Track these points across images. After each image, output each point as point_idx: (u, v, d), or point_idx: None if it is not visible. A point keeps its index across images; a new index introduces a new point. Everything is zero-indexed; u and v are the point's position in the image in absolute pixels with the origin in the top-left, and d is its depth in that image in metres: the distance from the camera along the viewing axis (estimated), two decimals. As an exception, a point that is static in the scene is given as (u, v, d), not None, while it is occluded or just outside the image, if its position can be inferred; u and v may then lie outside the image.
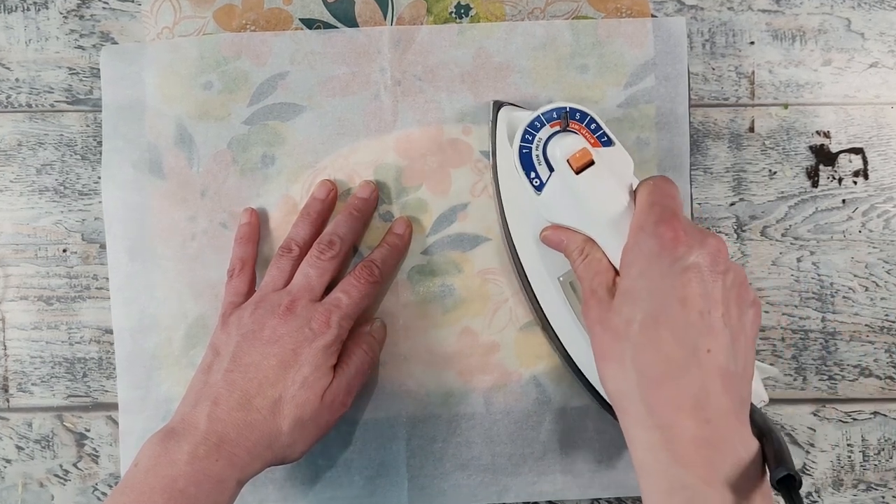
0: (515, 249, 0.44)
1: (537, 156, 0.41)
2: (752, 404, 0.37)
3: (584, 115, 0.42)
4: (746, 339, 0.36)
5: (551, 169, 0.41)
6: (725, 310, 0.35)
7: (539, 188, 0.41)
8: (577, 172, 0.40)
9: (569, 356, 0.44)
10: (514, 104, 0.46)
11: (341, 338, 0.42)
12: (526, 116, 0.42)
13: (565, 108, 0.42)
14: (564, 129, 0.41)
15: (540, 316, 0.45)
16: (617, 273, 0.38)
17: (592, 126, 0.41)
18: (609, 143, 0.41)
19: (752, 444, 0.34)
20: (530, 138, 0.42)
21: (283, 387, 0.40)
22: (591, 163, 0.40)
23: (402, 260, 0.47)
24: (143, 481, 0.37)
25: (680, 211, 0.37)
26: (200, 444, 0.38)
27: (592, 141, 0.41)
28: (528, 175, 0.41)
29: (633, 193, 0.39)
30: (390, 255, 0.46)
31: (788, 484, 0.32)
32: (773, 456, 0.33)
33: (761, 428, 0.35)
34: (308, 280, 0.43)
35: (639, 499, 0.48)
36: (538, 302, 0.44)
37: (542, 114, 0.42)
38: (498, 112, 0.45)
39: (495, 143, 0.45)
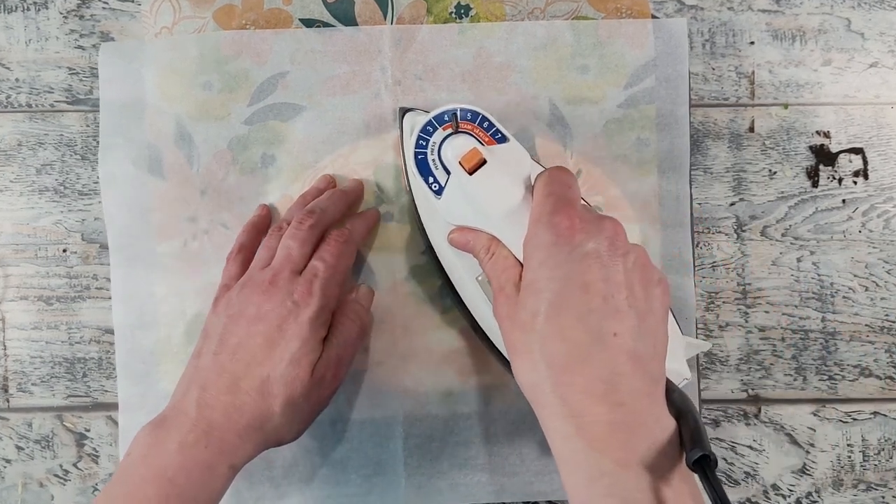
0: (435, 253, 0.44)
1: (433, 160, 0.41)
2: (671, 383, 0.37)
3: (475, 114, 0.42)
4: (655, 319, 0.36)
5: (448, 172, 0.41)
6: (629, 292, 0.35)
7: (438, 192, 0.41)
8: (471, 173, 0.40)
9: (503, 357, 0.43)
10: (420, 109, 0.46)
11: (328, 307, 0.42)
12: (421, 121, 0.42)
13: (455, 109, 0.41)
14: (456, 131, 0.41)
15: (467, 317, 0.45)
16: (520, 265, 0.38)
17: (485, 124, 0.41)
18: (503, 139, 0.41)
19: (669, 424, 0.34)
20: (424, 143, 0.42)
21: (270, 365, 0.39)
22: (484, 162, 0.40)
23: (371, 227, 0.47)
24: (135, 472, 0.37)
25: (576, 199, 0.37)
26: (190, 432, 0.38)
27: (486, 139, 0.41)
28: (426, 180, 0.41)
29: (532, 186, 0.39)
30: (360, 222, 0.46)
31: (704, 464, 0.32)
32: (689, 437, 0.33)
33: (679, 408, 0.35)
34: (289, 251, 0.42)
35: (639, 499, 0.48)
36: (463, 304, 0.44)
37: (433, 117, 0.42)
38: (403, 118, 0.45)
39: (404, 149, 0.45)
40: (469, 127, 0.41)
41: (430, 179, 0.41)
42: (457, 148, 0.40)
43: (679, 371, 0.41)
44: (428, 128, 0.41)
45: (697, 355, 0.48)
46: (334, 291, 0.42)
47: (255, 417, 0.39)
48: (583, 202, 0.43)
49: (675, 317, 0.43)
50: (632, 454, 0.32)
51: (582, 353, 0.34)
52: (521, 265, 0.38)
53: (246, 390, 0.39)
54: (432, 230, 0.44)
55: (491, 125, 0.41)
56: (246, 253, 0.45)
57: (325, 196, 0.45)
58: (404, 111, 0.46)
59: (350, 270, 0.45)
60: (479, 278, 0.43)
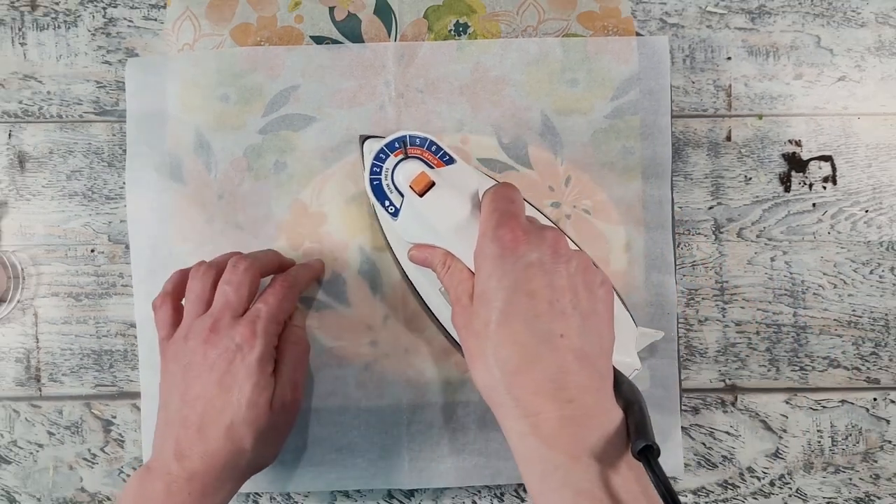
0: (403, 269, 0.47)
1: (388, 185, 0.44)
2: (622, 376, 0.39)
3: (423, 139, 0.45)
4: (599, 318, 0.38)
5: (402, 195, 0.43)
6: (573, 295, 0.37)
7: (395, 214, 0.44)
8: (421, 195, 0.42)
9: None
10: (379, 136, 0.47)
11: (271, 345, 0.43)
12: (376, 148, 0.45)
13: (404, 136, 0.45)
14: (406, 157, 0.44)
15: (436, 323, 0.47)
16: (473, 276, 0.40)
17: (433, 148, 0.45)
18: (451, 161, 0.44)
19: (617, 416, 0.36)
20: (378, 170, 0.44)
21: (231, 411, 0.40)
22: (432, 184, 0.42)
23: (315, 277, 0.49)
24: None
25: (519, 212, 0.39)
26: (173, 482, 0.40)
27: (436, 162, 0.44)
28: (382, 204, 0.44)
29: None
30: (304, 269, 0.48)
31: (648, 453, 0.33)
32: (634, 427, 0.35)
33: (627, 399, 0.37)
34: (226, 297, 0.43)
35: (624, 480, 0.51)
36: (433, 314, 0.46)
37: (385, 145, 0.44)
38: (363, 145, 0.47)
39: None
40: (418, 152, 0.45)
41: (387, 203, 0.44)
42: (407, 173, 0.43)
43: (630, 363, 0.43)
44: (381, 155, 0.44)
45: (678, 349, 0.50)
46: (276, 330, 0.43)
47: (229, 459, 0.40)
48: (543, 213, 0.46)
49: (629, 311, 0.46)
50: (581, 447, 0.34)
51: (531, 356, 0.35)
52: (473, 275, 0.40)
53: (214, 437, 0.40)
54: (396, 248, 0.47)
55: (439, 149, 0.45)
56: (173, 298, 0.45)
57: (263, 252, 0.47)
58: (364, 138, 0.48)
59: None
60: (441, 290, 0.45)
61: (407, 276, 0.47)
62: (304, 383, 0.45)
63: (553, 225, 0.47)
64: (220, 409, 0.41)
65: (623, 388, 0.38)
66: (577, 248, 0.40)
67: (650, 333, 0.47)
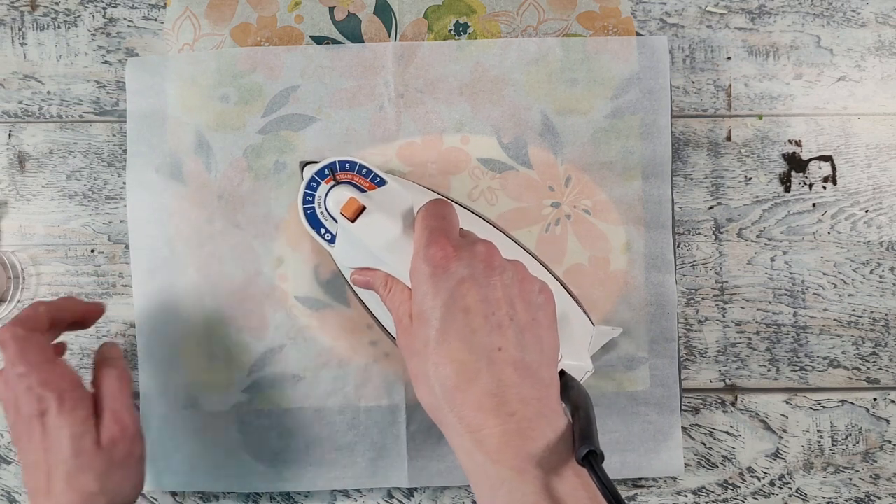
0: (355, 291, 0.47)
1: (321, 213, 0.44)
2: (572, 380, 0.39)
3: (352, 163, 0.45)
4: (539, 327, 0.38)
5: (337, 221, 0.43)
6: (509, 307, 0.37)
7: (331, 241, 0.44)
8: (353, 220, 0.42)
9: None
10: (318, 161, 0.47)
11: (68, 391, 0.40)
12: (307, 177, 0.44)
13: (333, 162, 0.44)
14: (336, 183, 0.44)
15: (392, 340, 0.47)
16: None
17: (363, 171, 0.44)
18: (382, 182, 0.44)
19: (560, 425, 0.36)
20: (311, 199, 0.44)
21: (63, 468, 0.40)
22: (363, 208, 0.42)
23: (78, 315, 0.45)
24: None
25: (450, 228, 0.39)
26: None
27: (367, 185, 0.44)
28: (318, 232, 0.44)
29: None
30: (47, 307, 0.43)
31: (592, 459, 0.33)
32: (579, 434, 0.35)
33: (575, 404, 0.37)
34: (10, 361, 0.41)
35: (624, 480, 0.51)
36: (389, 333, 0.46)
37: (315, 173, 0.45)
38: (303, 171, 0.47)
39: None
40: (349, 177, 0.45)
41: (322, 230, 0.44)
42: (337, 199, 0.43)
43: (581, 366, 0.43)
44: (312, 184, 0.45)
45: (678, 349, 0.50)
46: (38, 372, 0.40)
47: None
48: (489, 220, 0.47)
49: (585, 311, 0.46)
50: (526, 459, 0.34)
51: (470, 372, 0.35)
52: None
53: (60, 492, 0.40)
54: (345, 271, 0.46)
55: (369, 171, 0.45)
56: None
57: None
58: (304, 164, 0.48)
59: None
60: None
61: (360, 298, 0.47)
62: (131, 409, 0.43)
63: (502, 231, 0.47)
64: (55, 467, 0.40)
65: (571, 394, 0.38)
66: (511, 259, 0.39)
67: (608, 331, 0.47)
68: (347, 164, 0.45)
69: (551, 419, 0.36)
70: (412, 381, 0.38)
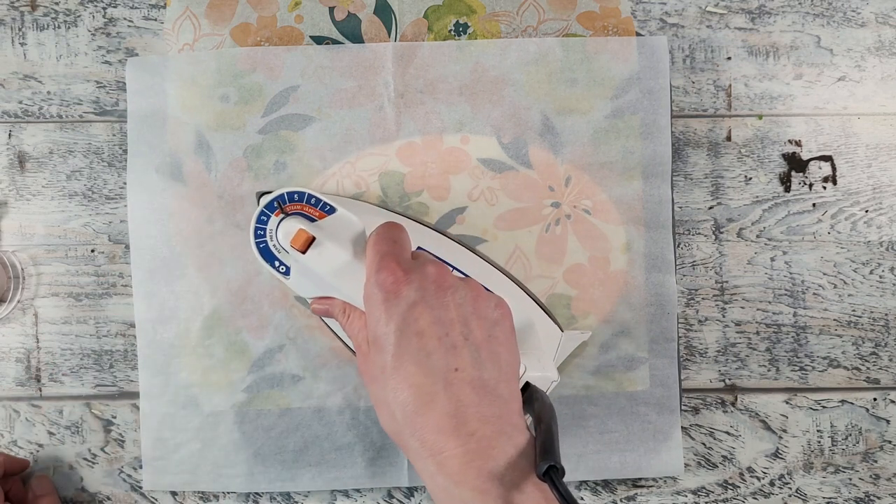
0: (322, 318, 0.47)
1: (274, 245, 0.44)
2: (536, 392, 0.39)
3: (301, 194, 0.44)
4: (496, 343, 0.38)
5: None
6: (463, 326, 0.37)
7: (286, 273, 0.44)
8: (304, 251, 0.42)
9: None
10: (270, 191, 0.47)
11: None
12: (258, 209, 0.44)
13: (282, 194, 0.44)
14: (285, 215, 0.44)
15: None
16: None
17: (312, 201, 0.44)
18: (332, 210, 0.43)
19: (522, 439, 0.35)
20: (262, 232, 0.44)
21: None
22: (313, 239, 0.42)
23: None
24: None
25: (400, 251, 0.39)
26: None
27: (317, 214, 0.43)
28: (273, 265, 0.44)
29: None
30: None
31: (553, 474, 0.33)
32: (541, 448, 0.34)
33: (538, 417, 0.37)
34: None
35: (624, 480, 0.51)
36: (356, 355, 0.46)
37: (264, 207, 0.44)
38: (259, 201, 0.47)
39: None
40: (298, 207, 0.44)
41: (276, 263, 0.44)
42: (286, 232, 0.43)
43: (547, 377, 0.42)
44: (262, 217, 0.44)
45: (678, 349, 0.50)
46: None
47: None
48: (452, 236, 0.47)
49: (553, 318, 0.46)
50: (488, 479, 0.34)
51: (428, 395, 0.35)
52: None
53: None
54: (304, 301, 0.46)
55: (318, 200, 0.44)
56: None
57: None
58: (260, 195, 0.47)
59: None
60: None
61: (325, 322, 0.47)
62: None
63: (463, 245, 0.47)
64: None
65: (535, 406, 0.38)
66: (464, 277, 0.39)
67: (577, 336, 0.47)
68: (296, 195, 0.44)
69: (512, 435, 0.36)
70: (374, 408, 0.38)
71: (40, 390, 0.51)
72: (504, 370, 0.38)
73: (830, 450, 0.51)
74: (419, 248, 0.46)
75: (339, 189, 0.50)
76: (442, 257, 0.46)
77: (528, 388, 0.40)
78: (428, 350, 0.36)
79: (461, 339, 0.37)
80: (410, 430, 0.36)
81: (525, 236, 0.50)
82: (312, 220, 0.43)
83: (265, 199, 0.45)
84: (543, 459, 0.34)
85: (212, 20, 0.51)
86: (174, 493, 0.51)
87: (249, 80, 0.50)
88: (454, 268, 0.46)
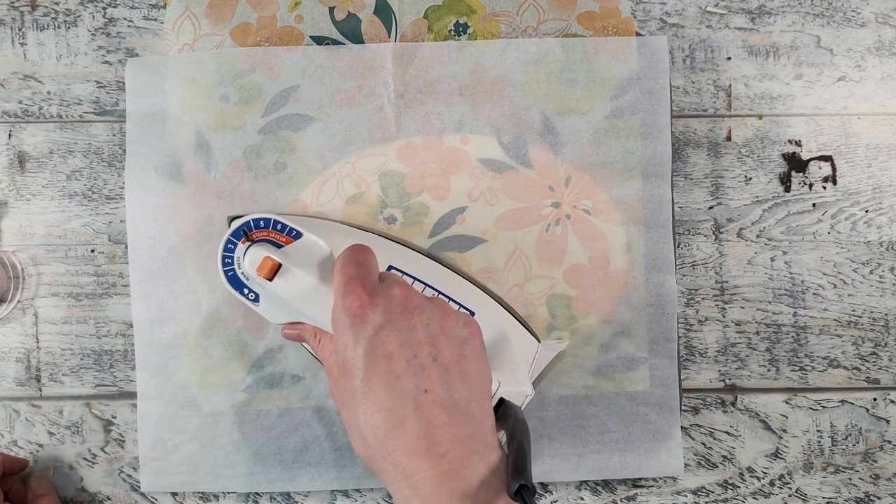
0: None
1: (242, 273, 0.44)
2: (510, 408, 0.39)
3: (266, 220, 0.44)
4: (466, 362, 0.37)
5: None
6: (431, 346, 0.37)
7: (256, 300, 0.44)
8: (271, 279, 0.42)
9: None
10: (242, 215, 0.46)
11: None
12: (224, 237, 0.44)
13: (247, 222, 0.44)
14: (251, 243, 0.43)
15: None
16: None
17: (278, 227, 0.44)
18: (298, 235, 0.43)
19: (494, 458, 0.35)
20: (230, 260, 0.44)
21: None
22: (279, 266, 0.42)
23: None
24: None
25: (366, 275, 0.39)
26: None
27: (284, 240, 0.43)
28: (242, 293, 0.44)
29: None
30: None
31: (524, 493, 0.33)
32: (514, 467, 0.34)
33: (511, 435, 0.37)
34: None
35: (624, 480, 0.51)
36: None
37: (230, 235, 0.44)
38: (230, 226, 0.46)
39: None
40: (264, 234, 0.44)
41: (245, 291, 0.44)
42: (253, 259, 0.43)
43: (521, 392, 0.42)
44: (229, 245, 0.44)
45: (678, 349, 0.50)
46: None
47: None
48: (425, 252, 0.46)
49: (529, 329, 0.45)
50: (461, 499, 0.34)
51: (398, 418, 0.35)
52: None
53: None
54: (276, 327, 0.46)
55: (284, 226, 0.44)
56: None
57: None
58: (231, 219, 0.47)
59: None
60: None
61: (305, 347, 0.47)
62: None
63: (435, 259, 0.47)
64: None
65: (508, 423, 0.38)
66: (431, 297, 0.39)
67: (554, 345, 0.47)
68: (262, 222, 0.44)
69: (484, 454, 0.35)
70: (347, 432, 0.38)
71: (40, 390, 0.51)
72: (475, 389, 0.37)
73: (830, 450, 0.51)
74: (390, 266, 0.45)
75: (339, 189, 0.50)
76: (413, 274, 0.45)
77: (501, 405, 0.40)
78: (396, 373, 0.36)
79: (430, 360, 0.36)
80: (382, 453, 0.35)
81: (525, 236, 0.50)
82: (279, 246, 0.43)
83: (233, 226, 0.45)
84: (515, 478, 0.34)
85: (212, 20, 0.51)
86: (174, 494, 0.51)
87: (249, 80, 0.50)
88: (426, 284, 0.45)
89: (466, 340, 0.38)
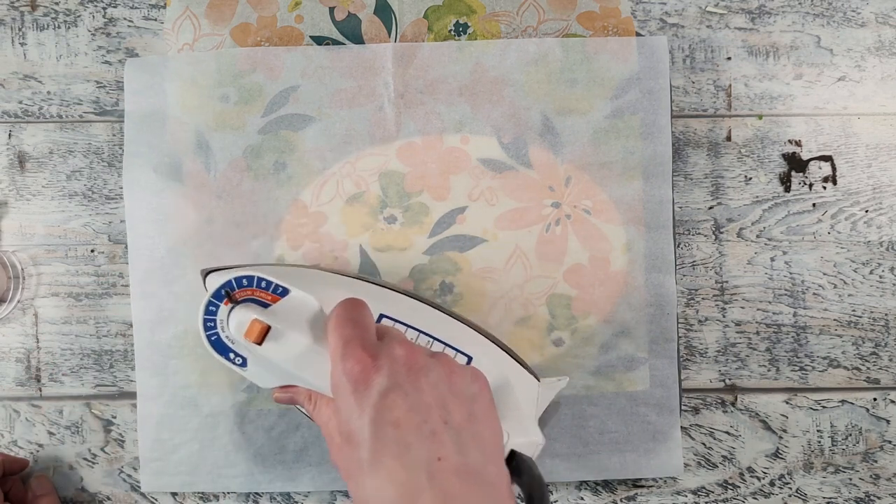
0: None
1: (227, 337, 0.40)
2: (522, 462, 0.38)
3: (250, 278, 0.40)
4: (477, 422, 0.35)
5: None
6: (441, 409, 0.34)
7: (243, 364, 0.40)
8: (260, 342, 0.38)
9: None
10: (220, 268, 0.45)
11: None
12: (205, 299, 0.41)
13: (229, 281, 0.40)
14: (235, 303, 0.40)
15: None
16: None
17: (263, 284, 0.40)
18: (285, 291, 0.40)
19: None
20: (213, 324, 0.40)
21: None
22: (268, 328, 0.38)
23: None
24: None
25: (364, 334, 0.36)
26: None
27: (269, 297, 0.40)
28: (227, 358, 0.40)
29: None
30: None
31: None
32: None
33: (528, 491, 0.36)
34: None
35: (624, 480, 0.51)
36: None
37: (211, 296, 0.40)
38: (205, 280, 0.45)
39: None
40: (248, 293, 0.40)
41: (231, 355, 0.40)
42: (239, 323, 0.39)
43: (532, 442, 0.40)
44: (210, 308, 0.40)
45: (678, 349, 0.50)
46: None
47: None
48: (416, 295, 0.45)
49: (528, 368, 0.44)
50: None
51: (412, 491, 0.32)
52: None
53: None
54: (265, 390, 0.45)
55: (269, 283, 0.40)
56: None
57: None
58: (206, 273, 0.45)
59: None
60: None
61: (298, 408, 0.45)
62: None
63: (428, 304, 0.45)
64: None
65: (524, 479, 0.37)
66: (435, 353, 0.37)
67: (553, 383, 0.45)
68: (245, 280, 0.40)
69: None
70: (354, 501, 0.36)
71: (40, 390, 0.51)
72: (488, 450, 0.35)
73: (830, 450, 0.51)
74: (381, 315, 0.44)
75: (339, 189, 0.50)
76: (406, 322, 0.44)
77: (514, 457, 0.39)
78: (407, 441, 0.33)
79: (440, 424, 0.34)
80: None
81: (525, 236, 0.50)
82: (265, 305, 0.40)
83: (211, 283, 0.42)
84: None
85: (212, 20, 0.51)
86: (174, 494, 0.51)
87: (249, 80, 0.50)
88: (420, 331, 0.43)
89: (475, 398, 0.36)
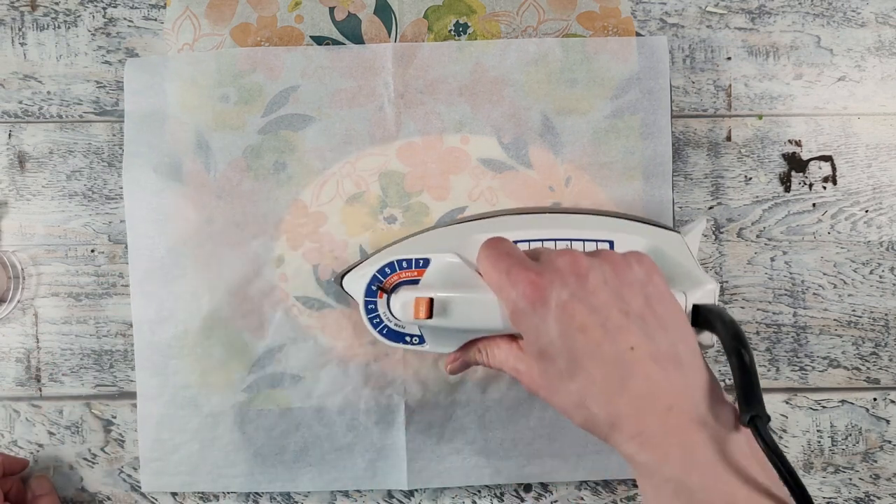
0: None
1: (396, 325, 0.43)
2: (708, 311, 0.38)
3: (390, 265, 0.42)
4: (655, 304, 0.36)
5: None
6: (619, 303, 0.36)
7: (421, 342, 0.43)
8: (431, 317, 0.40)
9: None
10: (351, 267, 0.46)
11: None
12: (361, 300, 0.43)
13: (374, 276, 0.42)
14: (388, 293, 0.42)
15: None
16: (514, 339, 0.40)
17: (403, 264, 0.42)
18: (426, 262, 0.42)
19: (713, 392, 0.35)
20: (378, 320, 0.43)
21: None
22: (431, 301, 0.40)
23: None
24: None
25: (521, 259, 0.38)
26: None
27: (416, 273, 0.42)
28: (404, 342, 0.43)
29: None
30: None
31: (757, 423, 0.33)
32: (740, 395, 0.34)
33: (727, 347, 0.36)
34: None
35: (623, 481, 0.51)
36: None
37: (366, 299, 0.42)
38: (342, 282, 0.46)
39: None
40: (395, 278, 0.42)
41: (407, 338, 0.43)
42: (403, 308, 0.41)
43: (707, 290, 0.41)
44: (370, 307, 0.43)
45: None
46: None
47: None
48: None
49: (661, 225, 0.45)
50: (690, 453, 0.33)
51: (614, 385, 0.34)
52: (514, 338, 0.40)
53: None
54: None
55: (409, 261, 0.42)
56: None
57: None
58: (340, 276, 0.46)
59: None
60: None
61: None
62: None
63: (548, 211, 0.47)
64: None
65: (717, 328, 0.37)
66: (594, 252, 0.38)
67: (696, 227, 0.46)
68: (387, 269, 0.43)
69: (704, 392, 0.35)
70: (564, 415, 0.37)
71: (40, 390, 0.51)
72: (673, 328, 0.36)
73: (830, 450, 0.51)
74: (514, 241, 0.44)
75: (339, 189, 0.50)
76: (540, 237, 0.45)
77: (699, 311, 0.39)
78: (597, 341, 0.35)
79: (622, 317, 0.35)
80: (608, 422, 0.35)
81: (525, 236, 0.50)
82: (415, 282, 0.42)
83: (350, 285, 0.45)
84: (745, 410, 0.33)
85: (212, 20, 0.51)
86: (174, 494, 0.51)
87: (249, 80, 0.50)
88: (557, 240, 0.45)
89: (645, 281, 0.37)
